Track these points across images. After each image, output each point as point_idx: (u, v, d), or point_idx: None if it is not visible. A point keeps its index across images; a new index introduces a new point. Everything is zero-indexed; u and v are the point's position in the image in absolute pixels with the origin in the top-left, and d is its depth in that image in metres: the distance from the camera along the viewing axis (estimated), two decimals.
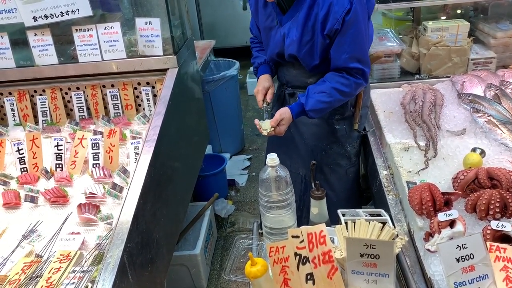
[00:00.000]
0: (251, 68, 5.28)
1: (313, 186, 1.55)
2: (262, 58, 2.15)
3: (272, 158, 1.46)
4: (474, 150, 1.80)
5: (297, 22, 1.87)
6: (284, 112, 1.90)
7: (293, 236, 1.24)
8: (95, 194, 1.87)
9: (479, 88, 2.20)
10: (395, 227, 1.52)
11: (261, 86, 2.04)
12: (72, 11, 2.23)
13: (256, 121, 1.92)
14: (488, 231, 1.35)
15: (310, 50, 1.89)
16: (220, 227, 3.30)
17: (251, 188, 3.74)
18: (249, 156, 4.14)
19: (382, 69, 2.54)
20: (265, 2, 1.95)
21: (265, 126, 1.89)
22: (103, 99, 2.49)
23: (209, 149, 3.78)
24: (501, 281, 1.18)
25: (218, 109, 3.85)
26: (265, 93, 2.04)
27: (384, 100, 2.32)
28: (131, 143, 2.09)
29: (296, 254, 1.23)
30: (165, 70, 2.35)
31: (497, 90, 2.12)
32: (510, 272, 1.19)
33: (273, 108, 2.21)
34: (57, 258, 1.49)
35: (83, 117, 2.49)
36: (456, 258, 1.18)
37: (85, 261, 1.50)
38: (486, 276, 1.19)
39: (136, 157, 1.99)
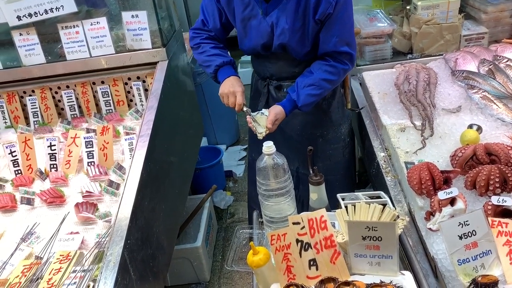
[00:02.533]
0: (243, 58, 5.25)
1: (311, 172, 1.53)
2: (227, 58, 1.99)
3: (269, 146, 1.44)
4: (470, 126, 1.79)
5: (286, 10, 1.80)
6: (279, 112, 1.86)
7: (293, 223, 1.23)
8: (92, 193, 1.85)
9: (472, 64, 2.18)
10: (395, 208, 1.51)
11: (240, 88, 1.88)
12: (56, 8, 2.19)
13: (249, 120, 1.85)
14: (489, 207, 1.34)
15: (302, 37, 1.84)
16: (220, 219, 3.29)
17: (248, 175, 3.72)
18: (244, 147, 4.12)
19: (374, 51, 2.52)
20: None
21: (260, 129, 1.82)
22: (94, 96, 2.46)
23: (204, 142, 3.76)
24: (504, 256, 1.18)
25: (211, 100, 3.81)
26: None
27: (378, 81, 2.30)
28: (125, 139, 2.06)
29: (297, 240, 1.22)
30: (155, 63, 2.33)
31: (490, 65, 2.10)
32: None
33: (259, 105, 2.12)
34: (57, 258, 1.47)
35: (75, 115, 2.46)
36: (458, 235, 1.18)
37: (86, 260, 1.49)
38: (490, 251, 1.19)
39: (131, 153, 1.96)
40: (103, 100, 2.44)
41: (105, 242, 1.54)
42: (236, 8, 1.90)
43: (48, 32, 2.37)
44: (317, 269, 1.20)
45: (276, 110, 1.85)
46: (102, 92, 2.43)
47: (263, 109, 1.89)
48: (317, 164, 2.15)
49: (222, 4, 1.93)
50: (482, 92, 1.96)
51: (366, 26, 2.51)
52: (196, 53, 2.04)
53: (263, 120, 1.84)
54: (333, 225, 1.37)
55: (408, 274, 1.19)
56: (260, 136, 1.82)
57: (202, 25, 2.03)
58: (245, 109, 1.89)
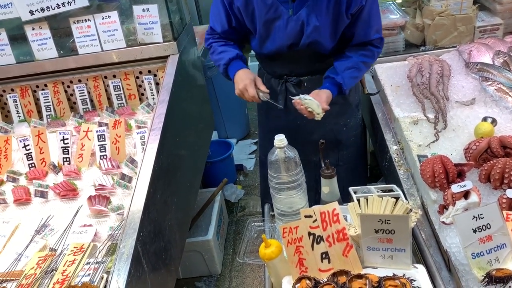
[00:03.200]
0: (252, 52, 5.24)
1: (323, 165, 1.53)
2: (233, 52, 1.95)
3: (280, 139, 1.43)
4: (485, 119, 1.77)
5: (315, 7, 1.78)
6: (329, 96, 1.85)
7: (306, 216, 1.22)
8: (105, 186, 1.87)
9: (487, 56, 2.15)
10: (408, 202, 1.50)
11: (247, 80, 1.85)
12: (68, 2, 2.20)
13: (299, 102, 1.78)
14: (504, 200, 1.33)
15: (332, 32, 1.86)
16: (231, 212, 3.31)
17: (259, 172, 3.72)
18: (255, 140, 4.12)
19: (387, 43, 2.47)
20: None
21: (317, 109, 1.78)
22: (106, 90, 2.47)
23: (214, 136, 3.77)
24: None
25: (221, 94, 3.82)
26: (254, 85, 1.88)
27: (390, 74, 2.28)
28: (137, 133, 2.07)
29: (309, 233, 1.21)
30: (166, 57, 2.33)
31: (505, 57, 2.07)
32: None
33: (278, 103, 2.08)
34: (71, 250, 1.49)
35: (87, 109, 2.48)
36: (472, 229, 1.16)
37: (99, 252, 1.51)
38: (504, 245, 1.17)
39: (143, 147, 1.98)
40: (115, 94, 2.45)
41: (117, 234, 1.56)
42: (258, 11, 1.84)
43: (60, 27, 2.38)
44: (329, 262, 1.20)
45: (327, 94, 1.84)
46: (113, 86, 2.44)
47: (300, 95, 1.82)
48: (341, 152, 2.20)
49: (239, 8, 1.87)
50: (497, 84, 1.93)
51: None
52: (210, 54, 2.04)
53: (313, 103, 1.79)
54: (345, 218, 1.37)
55: (421, 268, 1.18)
56: (318, 117, 1.80)
57: (211, 30, 2.02)
58: (261, 95, 1.86)
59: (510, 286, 1.09)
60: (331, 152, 2.18)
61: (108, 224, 1.70)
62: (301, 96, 1.80)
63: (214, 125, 3.17)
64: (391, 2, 2.70)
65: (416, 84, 2.09)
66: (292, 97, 1.82)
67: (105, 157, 2.04)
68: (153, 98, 2.43)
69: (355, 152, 2.27)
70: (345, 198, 1.53)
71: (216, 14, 1.96)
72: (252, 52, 5.48)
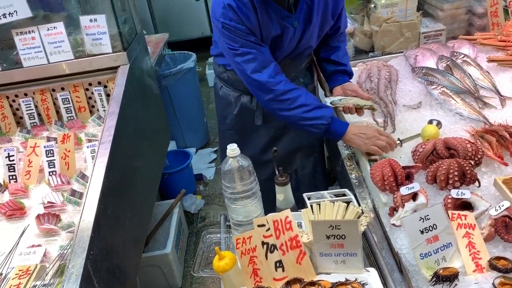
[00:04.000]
0: (210, 59, 5.22)
1: (277, 172, 1.53)
2: (325, 107, 1.84)
3: (233, 149, 1.42)
4: (430, 122, 1.84)
5: (309, 14, 1.83)
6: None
7: (259, 225, 1.22)
8: (54, 203, 1.79)
9: (431, 61, 2.24)
10: (360, 205, 1.53)
11: (373, 127, 1.84)
12: (9, 13, 2.11)
13: (347, 105, 1.88)
14: (449, 200, 1.37)
15: (319, 34, 1.95)
16: (191, 223, 3.26)
17: (220, 181, 3.69)
18: (215, 149, 4.09)
19: None
20: (267, 13, 1.77)
21: (366, 102, 1.90)
22: (54, 103, 2.38)
23: (173, 145, 3.71)
24: (464, 248, 1.21)
25: (178, 103, 3.77)
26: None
27: None
28: (87, 147, 2.01)
29: (263, 243, 1.21)
30: (116, 67, 2.27)
31: (448, 61, 2.16)
32: (472, 238, 1.22)
33: (256, 120, 2.10)
34: (16, 274, 1.41)
35: (35, 124, 2.38)
36: (420, 230, 1.20)
37: (47, 274, 1.44)
38: (450, 244, 1.21)
39: (93, 161, 1.91)
40: (64, 107, 2.37)
41: (68, 254, 1.50)
42: (264, 31, 1.81)
43: (2, 38, 2.28)
44: (283, 270, 1.20)
45: (354, 85, 2.01)
46: (62, 99, 2.35)
47: (331, 98, 1.95)
48: (318, 157, 2.27)
49: (255, 30, 1.79)
50: (441, 87, 2.01)
51: None
52: (283, 108, 1.82)
53: (356, 99, 1.91)
54: (300, 225, 1.38)
55: (373, 271, 1.20)
56: (376, 107, 1.94)
57: (267, 60, 1.81)
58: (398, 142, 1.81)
59: (456, 284, 1.13)
60: (306, 160, 2.21)
61: (58, 243, 1.63)
62: (334, 99, 1.92)
63: (170, 135, 3.12)
64: None
65: (366, 89, 2.14)
66: (336, 104, 1.91)
67: (54, 173, 1.97)
68: (104, 110, 2.36)
69: (323, 157, 2.33)
70: None
71: (263, 53, 1.80)
72: (210, 60, 5.44)
